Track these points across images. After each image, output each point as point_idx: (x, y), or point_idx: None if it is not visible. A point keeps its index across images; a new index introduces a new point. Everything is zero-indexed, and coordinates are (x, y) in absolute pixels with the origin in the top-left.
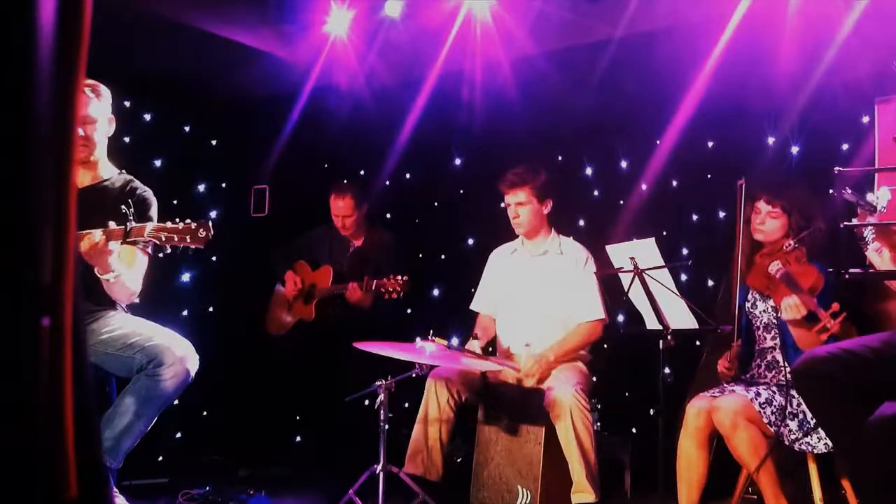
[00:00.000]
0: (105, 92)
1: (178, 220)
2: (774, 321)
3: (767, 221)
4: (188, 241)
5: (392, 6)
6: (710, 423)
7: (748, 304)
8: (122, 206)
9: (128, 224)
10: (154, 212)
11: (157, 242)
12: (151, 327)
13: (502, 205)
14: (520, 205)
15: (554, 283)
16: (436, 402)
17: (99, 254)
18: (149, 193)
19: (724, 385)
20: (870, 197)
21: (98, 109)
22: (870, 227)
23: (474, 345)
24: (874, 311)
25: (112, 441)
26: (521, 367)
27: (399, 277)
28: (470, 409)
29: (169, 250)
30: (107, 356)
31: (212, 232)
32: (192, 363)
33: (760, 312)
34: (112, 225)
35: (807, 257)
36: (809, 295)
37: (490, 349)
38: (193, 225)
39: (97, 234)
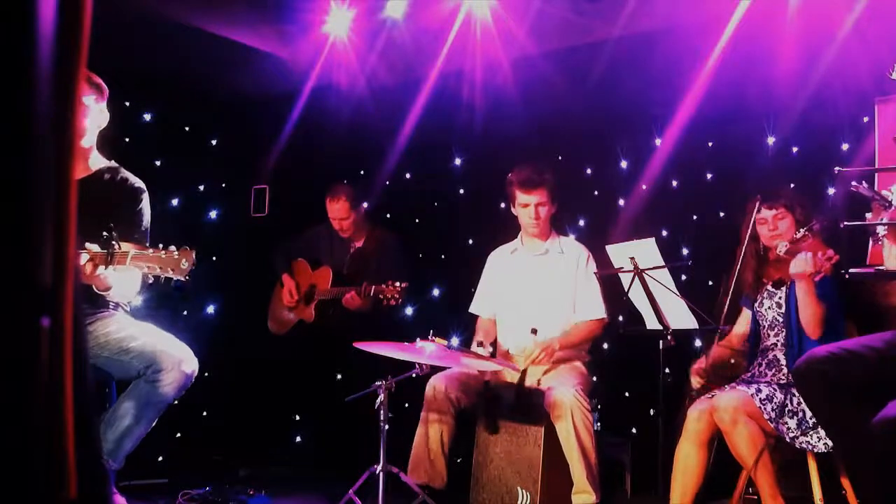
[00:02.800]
0: (101, 85)
1: (161, 246)
2: (779, 319)
3: (779, 224)
4: (170, 272)
5: (394, 6)
6: (712, 425)
7: (755, 304)
8: (104, 233)
9: (109, 249)
10: (146, 203)
11: (139, 270)
12: (149, 331)
13: (502, 205)
14: (540, 205)
15: (555, 283)
16: (435, 410)
17: (88, 280)
18: (139, 184)
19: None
20: (885, 192)
21: (89, 100)
22: (883, 223)
23: (481, 352)
24: (878, 311)
25: (112, 443)
26: (521, 363)
27: (398, 284)
28: (470, 411)
29: (151, 281)
30: (104, 359)
31: (194, 262)
32: (191, 367)
33: (766, 310)
34: (96, 248)
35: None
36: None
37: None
38: (176, 254)
39: (83, 262)
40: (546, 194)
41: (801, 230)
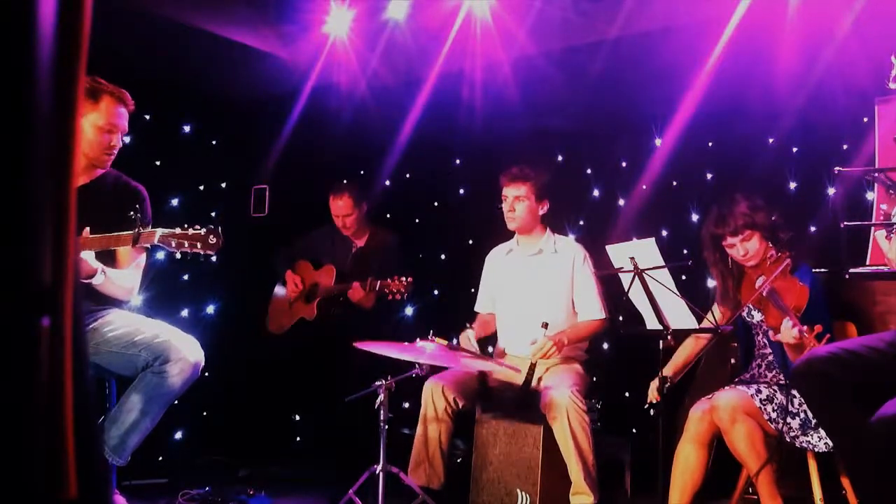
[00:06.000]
0: (131, 102)
1: (186, 225)
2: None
3: (748, 247)
4: (199, 247)
5: (396, 7)
6: (713, 426)
7: (744, 313)
8: (131, 213)
9: (137, 230)
10: (147, 206)
11: (168, 248)
12: (156, 324)
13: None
14: (518, 199)
15: (548, 282)
16: (434, 411)
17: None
18: (141, 188)
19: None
20: None
21: (127, 120)
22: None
23: (469, 334)
24: (875, 312)
25: (118, 439)
26: (532, 357)
27: (403, 278)
28: (468, 412)
29: (179, 256)
30: (111, 355)
31: (222, 239)
32: (199, 359)
33: (759, 321)
34: (87, 233)
35: (792, 265)
36: (794, 314)
37: (488, 348)
38: (203, 231)
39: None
40: (527, 190)
41: (774, 253)
